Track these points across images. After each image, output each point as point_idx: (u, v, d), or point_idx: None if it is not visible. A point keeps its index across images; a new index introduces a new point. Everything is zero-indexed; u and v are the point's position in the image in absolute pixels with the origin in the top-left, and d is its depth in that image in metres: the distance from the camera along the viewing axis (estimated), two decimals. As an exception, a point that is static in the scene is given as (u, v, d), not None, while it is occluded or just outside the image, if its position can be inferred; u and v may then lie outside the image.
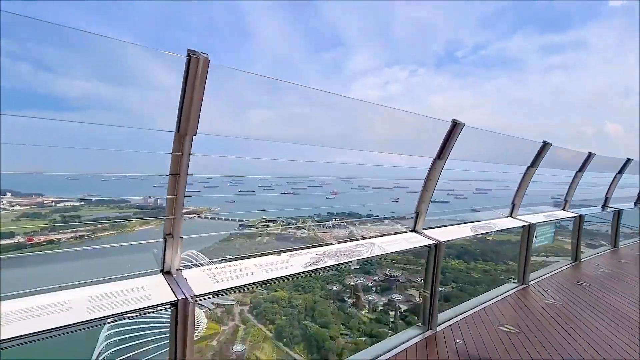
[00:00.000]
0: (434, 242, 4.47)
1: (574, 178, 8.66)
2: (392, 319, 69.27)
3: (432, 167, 4.58)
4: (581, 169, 8.42)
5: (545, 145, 6.09)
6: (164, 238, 3.20)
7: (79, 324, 2.47)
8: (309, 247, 3.91)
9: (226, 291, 2.83)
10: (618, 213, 11.24)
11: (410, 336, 4.70)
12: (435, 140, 4.45)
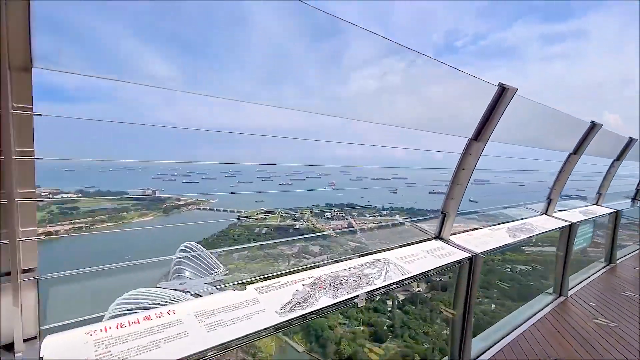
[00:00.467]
0: (468, 254, 3.44)
1: (609, 168, 7.37)
2: (389, 309, 70.27)
3: (466, 151, 3.50)
4: (619, 157, 7.06)
5: (594, 127, 4.90)
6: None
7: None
8: (292, 272, 2.83)
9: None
10: (653, 208, 9.52)
11: (440, 382, 3.40)
12: (469, 114, 3.30)
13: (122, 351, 1.65)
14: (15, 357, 1.59)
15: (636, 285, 6.10)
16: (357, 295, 2.68)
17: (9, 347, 1.63)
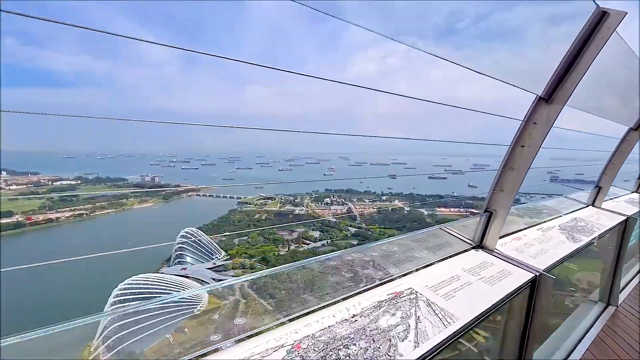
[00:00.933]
0: (528, 273, 2.47)
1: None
2: (388, 292, 69.72)
3: (529, 119, 2.45)
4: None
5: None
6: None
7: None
8: (260, 332, 1.84)
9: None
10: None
11: None
12: (538, 59, 2.18)
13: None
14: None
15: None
16: None
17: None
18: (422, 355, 1.55)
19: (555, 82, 2.29)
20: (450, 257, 2.79)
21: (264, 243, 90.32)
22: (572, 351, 3.62)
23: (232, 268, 71.55)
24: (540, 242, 3.36)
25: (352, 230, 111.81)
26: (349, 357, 1.55)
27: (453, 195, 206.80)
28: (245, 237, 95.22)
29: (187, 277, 61.92)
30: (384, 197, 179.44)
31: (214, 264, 73.19)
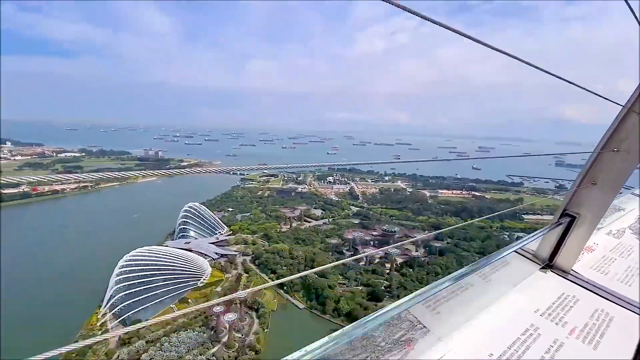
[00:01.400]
0: (630, 310, 1.67)
1: None
2: (387, 271, 72.48)
3: None
4: None
5: None
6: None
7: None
8: None
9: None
10: None
11: None
12: None
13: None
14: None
15: None
16: None
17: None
18: None
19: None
20: (508, 287, 1.84)
21: (266, 220, 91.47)
22: None
23: (235, 243, 72.86)
24: (622, 255, 2.27)
25: (354, 209, 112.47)
26: None
27: (456, 177, 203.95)
28: (248, 214, 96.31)
29: (191, 251, 63.26)
30: (386, 178, 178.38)
31: (217, 238, 74.49)
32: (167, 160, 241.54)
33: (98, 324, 44.87)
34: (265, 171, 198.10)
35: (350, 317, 51.49)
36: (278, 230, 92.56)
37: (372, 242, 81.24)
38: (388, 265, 68.67)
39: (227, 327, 44.17)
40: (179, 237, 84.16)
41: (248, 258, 71.85)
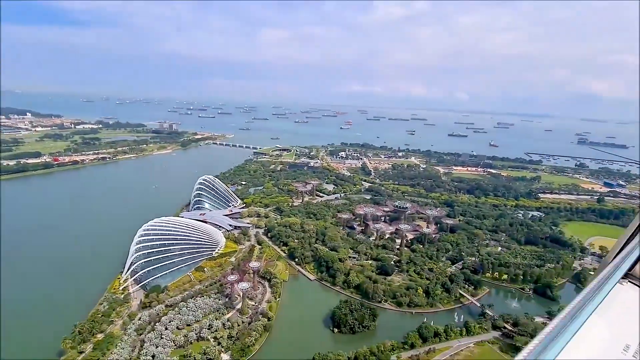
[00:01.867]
0: None
1: None
2: (397, 246, 72.73)
3: None
4: None
5: None
6: None
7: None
8: None
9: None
10: None
11: None
12: None
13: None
14: None
15: None
16: None
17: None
18: None
19: None
20: (584, 305, 1.53)
21: (278, 193, 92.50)
22: None
23: (248, 216, 74.43)
24: None
25: (366, 185, 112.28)
26: None
27: (472, 153, 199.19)
28: (261, 187, 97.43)
29: (206, 222, 65.08)
30: (400, 154, 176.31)
31: (231, 211, 76.19)
32: (181, 133, 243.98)
33: (120, 288, 47.46)
34: (278, 145, 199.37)
35: (360, 289, 51.91)
36: (290, 204, 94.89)
37: (383, 218, 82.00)
38: (398, 241, 69.56)
39: (241, 294, 46.02)
40: (194, 209, 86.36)
41: (261, 230, 73.93)
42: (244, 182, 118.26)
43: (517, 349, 41.66)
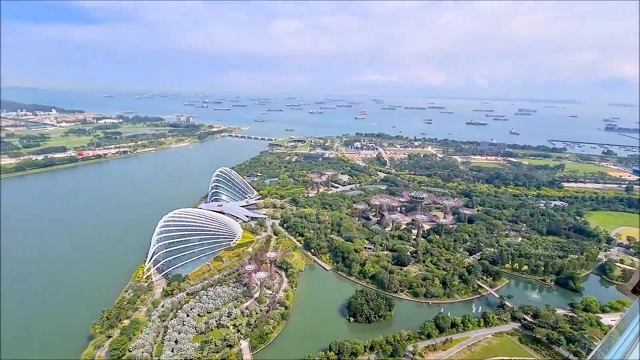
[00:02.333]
0: None
1: None
2: (414, 237, 72.27)
3: None
4: None
5: None
6: None
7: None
8: None
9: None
10: None
11: None
12: None
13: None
14: None
15: None
16: None
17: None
18: None
19: None
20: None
21: (293, 185, 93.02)
22: None
23: (264, 207, 75.37)
24: None
25: (381, 175, 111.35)
26: None
27: (491, 142, 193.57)
28: (276, 179, 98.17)
29: (223, 213, 66.36)
30: (416, 143, 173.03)
31: (247, 202, 77.34)
32: (198, 126, 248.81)
33: (144, 276, 49.41)
34: (293, 137, 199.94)
35: (375, 279, 52.23)
36: (305, 195, 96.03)
37: (399, 208, 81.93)
38: (415, 232, 69.48)
39: (259, 284, 47.02)
40: (212, 200, 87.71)
41: (277, 221, 75.34)
42: (259, 174, 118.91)
43: (537, 341, 41.26)
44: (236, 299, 45.65)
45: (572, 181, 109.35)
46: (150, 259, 51.52)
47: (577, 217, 75.77)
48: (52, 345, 37.48)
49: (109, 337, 38.17)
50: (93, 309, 41.39)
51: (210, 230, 58.97)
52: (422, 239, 64.14)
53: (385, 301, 43.54)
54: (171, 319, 40.97)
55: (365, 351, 36.56)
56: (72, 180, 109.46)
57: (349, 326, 41.91)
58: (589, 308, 43.72)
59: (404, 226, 70.56)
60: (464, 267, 52.28)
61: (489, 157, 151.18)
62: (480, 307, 44.94)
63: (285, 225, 69.95)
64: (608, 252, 61.23)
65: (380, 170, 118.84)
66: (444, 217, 73.66)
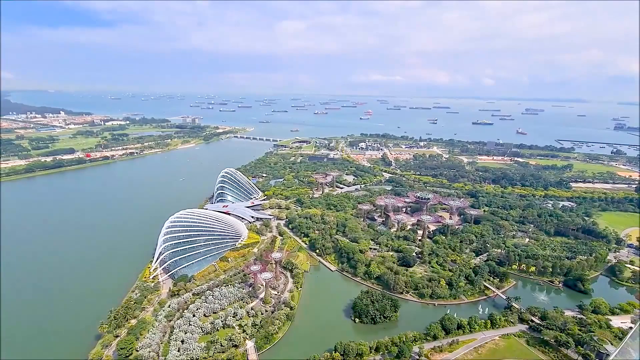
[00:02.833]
0: None
1: None
2: (419, 238, 72.03)
3: None
4: None
5: None
6: None
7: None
8: None
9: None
10: None
11: None
12: None
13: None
14: None
15: None
16: None
17: None
18: None
19: None
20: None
21: (298, 185, 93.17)
22: None
23: (269, 207, 75.56)
24: None
25: (386, 175, 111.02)
26: None
27: (498, 142, 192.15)
28: (281, 179, 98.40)
29: (229, 214, 66.67)
30: (422, 143, 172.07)
31: (252, 203, 77.61)
32: (203, 127, 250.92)
33: (150, 277, 49.82)
34: (297, 137, 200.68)
35: (381, 280, 52.05)
36: (310, 195, 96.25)
37: (404, 209, 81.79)
38: (420, 233, 68.90)
39: (264, 284, 47.14)
40: (217, 201, 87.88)
41: (282, 222, 75.77)
42: (264, 175, 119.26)
43: (545, 343, 40.79)
44: (242, 299, 45.79)
45: (580, 181, 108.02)
46: (157, 259, 51.81)
47: (586, 218, 74.76)
48: (61, 344, 37.91)
49: (117, 336, 38.50)
50: (101, 309, 41.75)
51: (216, 231, 59.20)
52: (427, 239, 63.76)
53: (390, 302, 43.33)
54: (177, 319, 41.22)
55: (370, 352, 36.43)
56: (80, 181, 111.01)
57: (354, 327, 41.79)
58: (598, 310, 43.03)
59: (409, 227, 70.18)
60: (470, 268, 51.85)
61: (495, 157, 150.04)
62: (487, 309, 44.54)
63: (290, 225, 70.05)
64: (618, 253, 60.33)
65: (386, 171, 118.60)
66: (450, 218, 73.09)
